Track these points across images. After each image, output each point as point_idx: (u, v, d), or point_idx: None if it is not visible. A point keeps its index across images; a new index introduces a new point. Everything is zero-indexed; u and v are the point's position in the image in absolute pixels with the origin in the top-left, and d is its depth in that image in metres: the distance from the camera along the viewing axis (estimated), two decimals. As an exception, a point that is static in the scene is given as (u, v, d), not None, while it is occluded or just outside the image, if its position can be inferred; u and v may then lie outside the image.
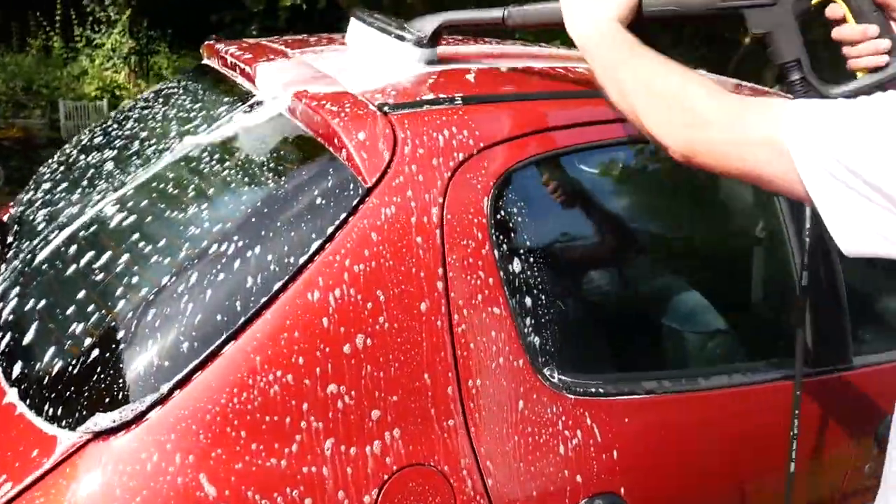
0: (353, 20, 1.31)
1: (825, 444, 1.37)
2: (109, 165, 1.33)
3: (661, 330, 1.21)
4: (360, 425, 0.93)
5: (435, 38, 1.20)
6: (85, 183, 1.32)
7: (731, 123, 0.82)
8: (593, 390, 1.10)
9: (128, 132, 1.45)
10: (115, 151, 1.37)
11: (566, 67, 1.35)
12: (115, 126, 1.53)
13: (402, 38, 1.19)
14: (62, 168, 1.49)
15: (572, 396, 1.07)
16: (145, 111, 1.53)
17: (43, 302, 1.04)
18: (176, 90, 1.56)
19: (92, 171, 1.35)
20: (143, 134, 1.40)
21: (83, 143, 1.56)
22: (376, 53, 1.24)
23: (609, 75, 0.95)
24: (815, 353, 1.33)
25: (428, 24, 1.20)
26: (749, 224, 1.40)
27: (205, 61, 1.64)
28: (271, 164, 1.07)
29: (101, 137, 1.50)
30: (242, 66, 1.33)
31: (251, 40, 1.64)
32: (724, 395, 1.26)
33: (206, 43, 1.67)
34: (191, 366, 0.87)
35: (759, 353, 1.38)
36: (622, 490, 1.10)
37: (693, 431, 1.19)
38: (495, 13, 1.17)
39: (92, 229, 1.13)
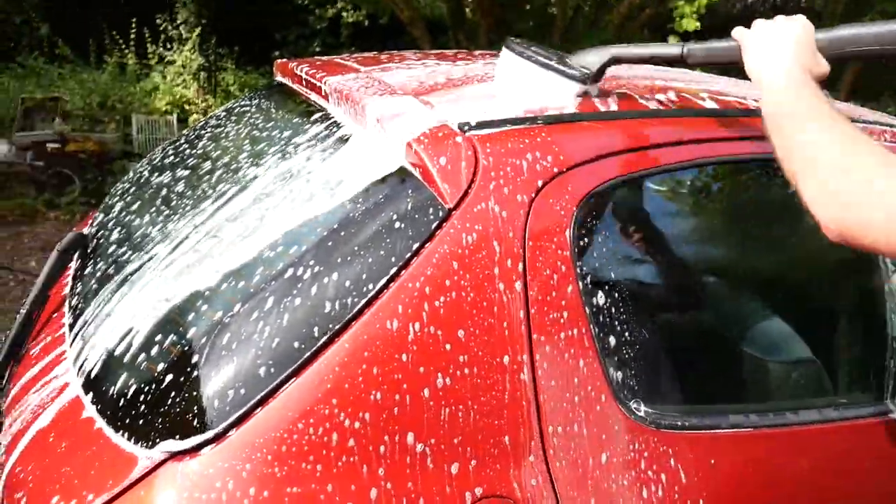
0: (504, 51, 1.19)
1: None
2: (190, 185, 1.34)
3: (752, 362, 1.14)
4: (438, 472, 0.89)
5: (600, 74, 1.12)
6: (166, 201, 1.33)
7: None
8: (679, 423, 1.04)
9: (207, 151, 1.46)
10: (196, 170, 1.38)
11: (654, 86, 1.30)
12: (195, 143, 1.55)
13: (563, 74, 1.10)
14: (142, 183, 1.51)
15: (658, 429, 1.01)
16: (224, 129, 1.55)
17: (123, 318, 1.05)
18: (251, 108, 1.58)
19: (173, 189, 1.37)
20: (223, 153, 1.41)
21: (163, 159, 1.58)
22: (530, 87, 1.14)
23: (780, 123, 0.89)
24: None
25: (592, 57, 1.11)
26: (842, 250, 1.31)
27: (279, 79, 1.66)
28: (354, 188, 1.05)
29: (182, 154, 1.52)
30: (317, 83, 1.33)
31: (323, 58, 1.64)
32: (814, 432, 1.18)
33: (278, 62, 1.69)
34: (266, 390, 0.86)
35: (854, 386, 1.29)
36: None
37: (783, 469, 1.12)
38: (673, 49, 1.09)
39: (172, 248, 1.13)
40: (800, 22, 0.98)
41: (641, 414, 1.01)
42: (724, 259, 1.16)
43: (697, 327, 1.10)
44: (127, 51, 8.48)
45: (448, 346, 0.91)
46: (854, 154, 0.80)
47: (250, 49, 9.17)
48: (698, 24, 4.61)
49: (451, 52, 1.66)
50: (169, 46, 8.59)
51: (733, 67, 1.05)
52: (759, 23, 1.00)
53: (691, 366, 1.08)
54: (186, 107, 8.15)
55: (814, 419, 1.17)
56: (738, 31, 1.03)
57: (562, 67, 1.10)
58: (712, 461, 1.05)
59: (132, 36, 8.36)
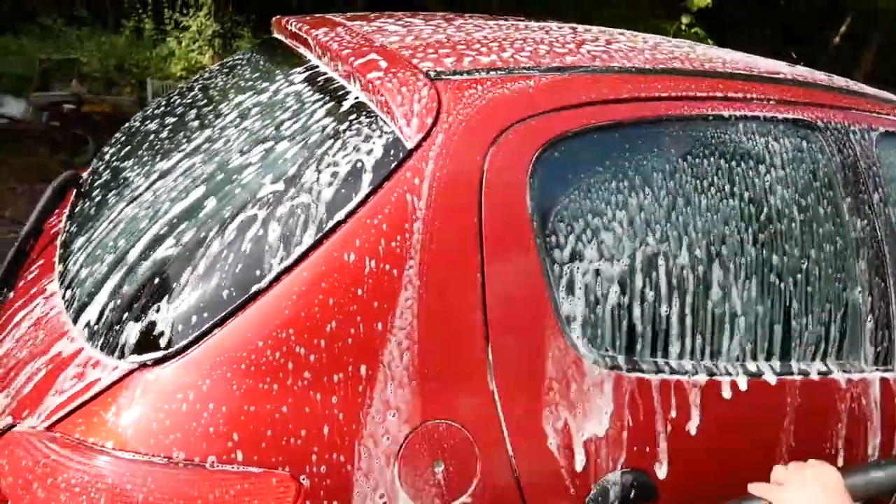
0: None
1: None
2: (175, 132, 1.40)
3: (696, 311, 1.18)
4: (388, 399, 0.95)
5: None
6: (151, 147, 1.39)
7: None
8: (626, 366, 1.09)
9: (196, 101, 1.51)
10: (183, 118, 1.44)
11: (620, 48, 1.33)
12: (186, 94, 1.61)
13: None
14: (133, 132, 1.58)
15: (605, 370, 1.07)
16: (215, 81, 1.60)
17: (105, 247, 1.11)
18: (242, 62, 1.63)
19: (159, 135, 1.43)
20: (210, 103, 1.47)
21: (155, 109, 1.64)
22: None
23: None
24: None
25: None
26: (789, 209, 1.34)
27: (275, 35, 1.71)
28: (320, 124, 1.10)
29: (172, 105, 1.58)
30: (303, 35, 1.38)
31: (316, 16, 1.69)
32: (759, 385, 1.23)
33: (275, 18, 1.74)
34: (226, 312, 0.91)
35: (794, 346, 1.33)
36: (652, 468, 1.09)
37: (724, 416, 1.17)
38: None
39: (154, 185, 1.19)
40: (827, 471, 0.95)
41: (585, 350, 1.06)
42: (675, 210, 1.20)
43: (646, 274, 1.14)
44: (144, 15, 8.52)
45: (402, 281, 0.96)
46: None
47: (267, 16, 9.16)
48: (710, 1, 4.58)
49: (440, 14, 1.69)
50: (185, 12, 8.62)
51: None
52: (785, 476, 0.95)
53: (637, 309, 1.12)
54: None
55: (752, 372, 1.22)
56: (760, 489, 0.97)
57: None
58: (654, 403, 1.10)
59: (150, 0, 8.40)
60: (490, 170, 1.02)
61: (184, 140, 1.30)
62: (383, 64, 1.11)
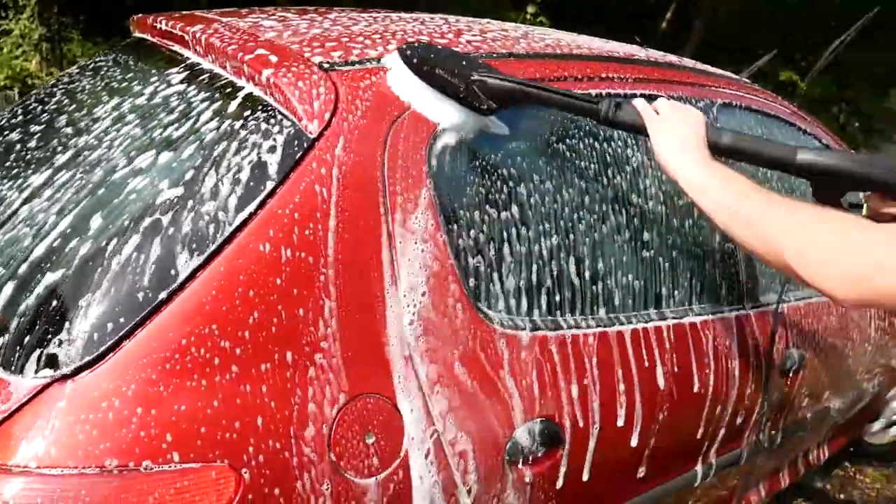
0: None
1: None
2: (47, 137, 1.33)
3: (590, 271, 1.32)
4: (315, 381, 0.99)
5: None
6: (16, 157, 1.31)
7: None
8: (527, 325, 1.20)
9: (62, 106, 1.44)
10: (53, 124, 1.36)
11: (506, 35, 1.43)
12: (46, 100, 1.51)
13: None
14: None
15: (511, 331, 1.16)
16: (73, 86, 1.52)
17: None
18: (108, 63, 1.56)
19: (25, 145, 1.34)
20: (81, 106, 1.40)
21: (8, 122, 1.53)
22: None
23: (733, 213, 0.97)
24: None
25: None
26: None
27: (137, 35, 1.64)
28: (213, 124, 1.10)
29: (33, 111, 1.49)
30: (178, 33, 1.35)
31: (181, 12, 1.64)
32: (650, 331, 1.39)
33: (136, 17, 1.67)
34: (143, 314, 0.90)
35: (674, 296, 1.51)
36: (557, 416, 1.21)
37: (615, 365, 1.31)
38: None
39: (52, 181, 1.13)
40: (694, 114, 1.11)
41: (493, 315, 1.16)
42: (553, 188, 1.32)
43: (545, 239, 1.25)
44: (-45, 19, 7.66)
45: (319, 268, 1.00)
46: (840, 224, 0.89)
47: (98, 18, 8.53)
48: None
49: (312, 8, 1.71)
50: (4, 15, 7.84)
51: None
52: (666, 111, 1.11)
53: (535, 274, 1.23)
54: (29, 81, 7.50)
55: (633, 322, 1.38)
56: (641, 104, 1.13)
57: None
58: (556, 358, 1.21)
59: (-41, 4, 7.56)
60: (390, 155, 1.08)
61: (58, 149, 1.24)
62: (274, 58, 1.12)
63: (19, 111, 1.54)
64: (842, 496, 2.71)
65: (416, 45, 1.17)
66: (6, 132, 1.45)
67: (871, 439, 2.92)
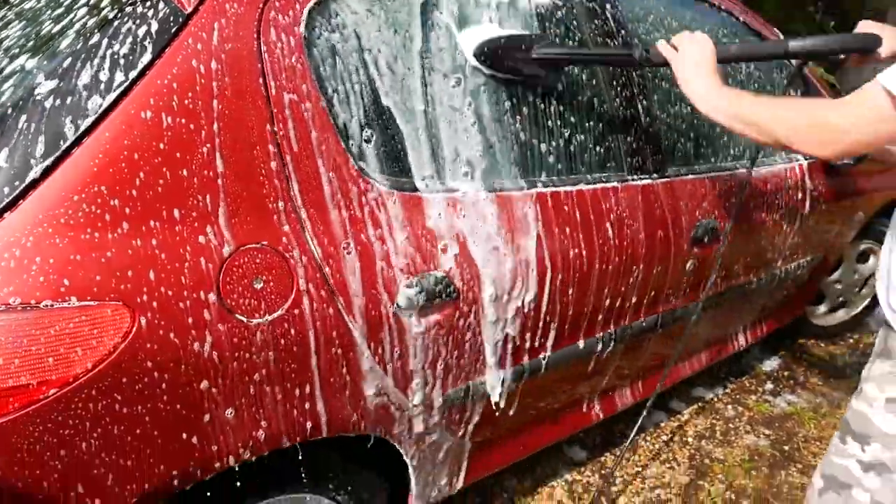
0: None
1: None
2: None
3: (470, 132, 1.42)
4: (201, 233, 1.10)
5: None
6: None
7: (856, 121, 1.09)
8: (407, 186, 1.31)
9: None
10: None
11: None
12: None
13: None
14: None
15: (386, 189, 1.28)
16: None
17: None
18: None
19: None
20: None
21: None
22: None
23: (738, 116, 1.27)
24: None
25: None
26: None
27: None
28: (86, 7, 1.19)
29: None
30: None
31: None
32: (532, 196, 1.49)
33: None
34: (34, 175, 1.01)
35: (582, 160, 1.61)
36: (444, 268, 1.33)
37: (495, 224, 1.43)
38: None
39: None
40: (703, 42, 1.38)
41: (375, 176, 1.27)
42: (436, 48, 1.40)
43: (415, 103, 1.35)
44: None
45: (202, 133, 1.10)
46: (806, 108, 1.21)
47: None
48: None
49: None
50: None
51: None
52: (680, 42, 1.40)
53: (412, 135, 1.34)
54: None
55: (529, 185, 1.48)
56: (662, 45, 1.42)
57: None
58: (433, 213, 1.33)
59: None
60: (264, 27, 1.16)
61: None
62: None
63: None
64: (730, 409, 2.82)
65: None
66: None
67: (817, 321, 3.05)
